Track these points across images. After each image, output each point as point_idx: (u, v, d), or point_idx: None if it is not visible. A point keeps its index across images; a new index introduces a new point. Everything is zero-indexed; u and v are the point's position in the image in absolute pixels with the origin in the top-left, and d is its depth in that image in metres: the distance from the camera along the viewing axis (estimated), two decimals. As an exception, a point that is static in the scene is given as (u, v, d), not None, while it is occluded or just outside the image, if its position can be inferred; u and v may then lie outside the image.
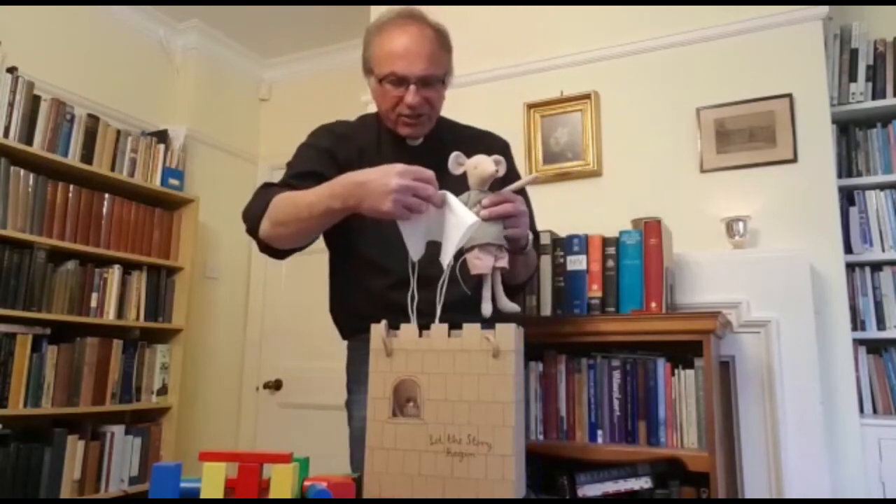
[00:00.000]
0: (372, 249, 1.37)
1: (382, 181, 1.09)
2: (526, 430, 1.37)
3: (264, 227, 1.29)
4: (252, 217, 1.32)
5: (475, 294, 1.15)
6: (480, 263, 1.13)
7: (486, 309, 1.13)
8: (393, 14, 1.36)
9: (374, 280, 1.36)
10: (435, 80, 1.34)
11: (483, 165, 1.14)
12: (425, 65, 1.31)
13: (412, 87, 1.31)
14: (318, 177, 1.31)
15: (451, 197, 1.10)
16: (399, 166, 1.09)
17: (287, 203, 1.26)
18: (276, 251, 1.35)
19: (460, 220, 1.07)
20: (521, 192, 1.42)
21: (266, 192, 1.33)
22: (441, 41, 1.36)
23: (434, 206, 1.10)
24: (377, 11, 2.78)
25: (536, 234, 1.49)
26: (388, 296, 1.31)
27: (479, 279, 1.15)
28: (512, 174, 1.45)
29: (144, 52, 3.38)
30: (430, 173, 1.10)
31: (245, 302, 3.70)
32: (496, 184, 1.18)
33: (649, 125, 2.25)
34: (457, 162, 1.16)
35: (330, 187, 1.19)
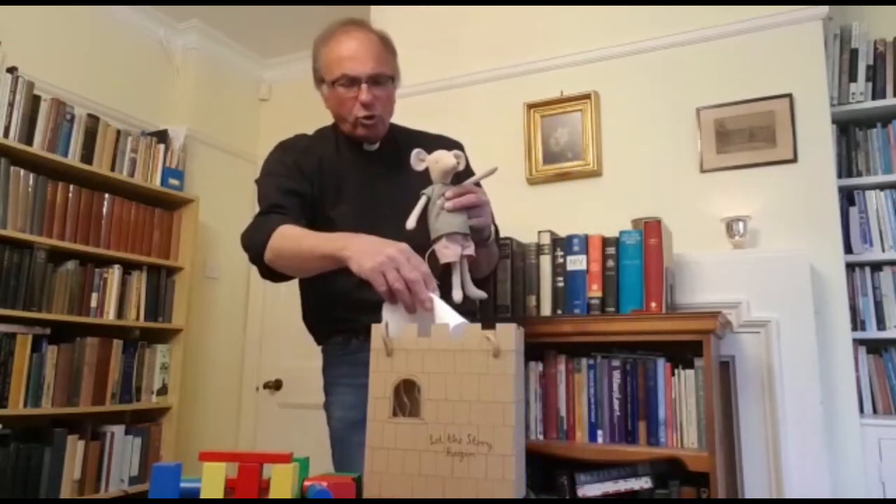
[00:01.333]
0: None
1: (380, 245, 1.11)
2: (526, 429, 1.37)
3: (268, 256, 1.30)
4: (255, 245, 1.32)
5: (445, 283, 1.17)
6: (448, 252, 1.18)
7: (457, 295, 1.18)
8: (337, 24, 1.44)
9: (341, 279, 1.27)
10: (385, 79, 1.41)
11: (444, 160, 1.22)
12: (374, 63, 1.38)
13: (364, 86, 1.38)
14: (299, 195, 1.36)
15: (437, 301, 1.08)
16: (406, 246, 1.10)
17: (290, 238, 1.27)
18: (276, 277, 1.35)
19: (446, 320, 1.05)
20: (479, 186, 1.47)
21: (265, 221, 1.32)
22: (385, 44, 1.44)
23: (423, 308, 1.08)
24: (377, 11, 2.80)
25: (496, 229, 1.50)
26: (357, 294, 1.29)
27: (447, 268, 1.20)
28: (467, 173, 1.49)
29: (144, 52, 3.38)
30: (427, 272, 1.08)
31: (245, 302, 3.70)
32: (456, 178, 1.25)
33: (649, 125, 2.25)
34: (418, 158, 1.24)
35: (333, 236, 1.21)
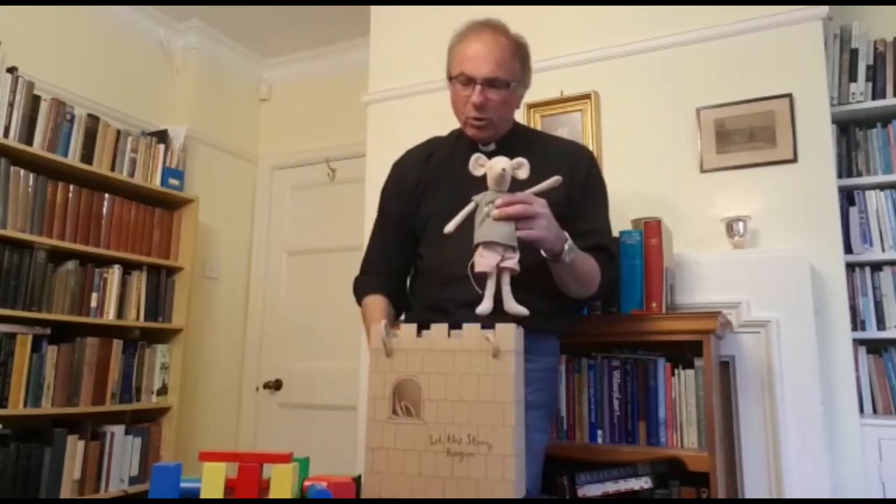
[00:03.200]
0: (425, 252, 1.48)
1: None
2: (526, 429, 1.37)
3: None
4: (357, 300, 1.57)
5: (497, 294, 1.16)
6: (483, 261, 1.14)
7: (483, 307, 1.13)
8: (472, 24, 1.47)
9: (422, 281, 1.49)
10: (500, 83, 1.41)
11: (495, 166, 1.17)
12: (492, 67, 1.40)
13: (478, 87, 1.40)
14: (392, 238, 1.55)
15: None
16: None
17: (364, 311, 1.51)
18: None
19: None
20: (595, 205, 1.48)
21: (362, 285, 1.56)
22: (514, 50, 1.45)
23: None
24: (377, 11, 2.80)
25: (608, 249, 1.47)
26: (423, 291, 1.45)
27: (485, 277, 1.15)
28: (590, 184, 1.49)
29: (144, 52, 3.38)
30: None
31: (245, 302, 3.70)
32: (520, 186, 1.19)
33: (649, 125, 2.25)
34: (477, 164, 1.20)
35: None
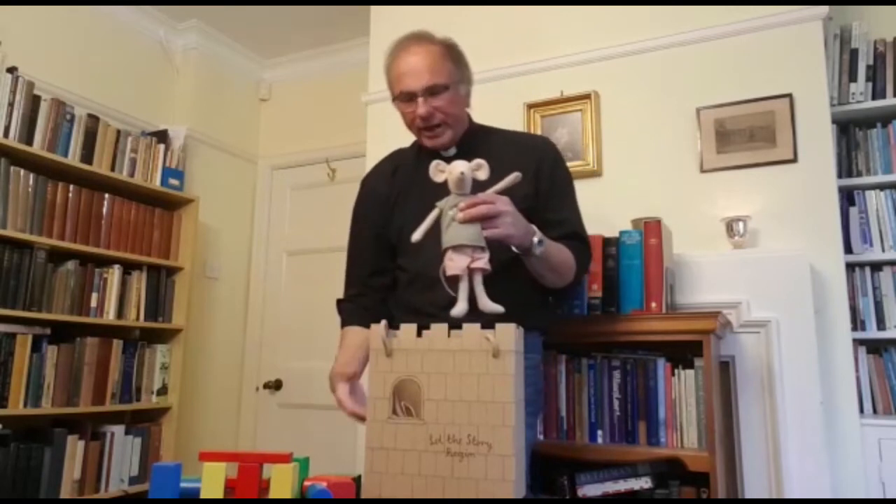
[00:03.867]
0: (404, 262, 1.50)
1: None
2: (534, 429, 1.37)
3: None
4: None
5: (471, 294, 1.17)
6: (453, 265, 1.15)
7: (457, 309, 1.14)
8: (397, 41, 1.50)
9: (405, 289, 1.52)
10: (439, 89, 1.43)
11: (454, 170, 1.18)
12: (427, 76, 1.42)
13: (420, 100, 1.42)
14: (373, 252, 1.56)
15: None
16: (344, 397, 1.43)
17: (342, 341, 1.56)
18: None
19: None
20: (563, 194, 1.51)
21: (343, 312, 1.60)
22: (444, 53, 1.46)
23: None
24: (377, 11, 2.80)
25: (580, 235, 1.50)
26: (406, 297, 1.48)
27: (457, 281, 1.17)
28: (556, 174, 1.52)
29: (144, 52, 3.38)
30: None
31: (245, 302, 3.70)
32: (483, 186, 1.20)
33: (649, 125, 2.25)
34: (437, 170, 1.21)
35: (331, 377, 1.49)
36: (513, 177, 1.21)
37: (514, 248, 1.27)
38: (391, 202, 1.53)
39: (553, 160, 1.53)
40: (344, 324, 1.57)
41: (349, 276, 1.62)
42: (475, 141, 1.52)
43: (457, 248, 1.15)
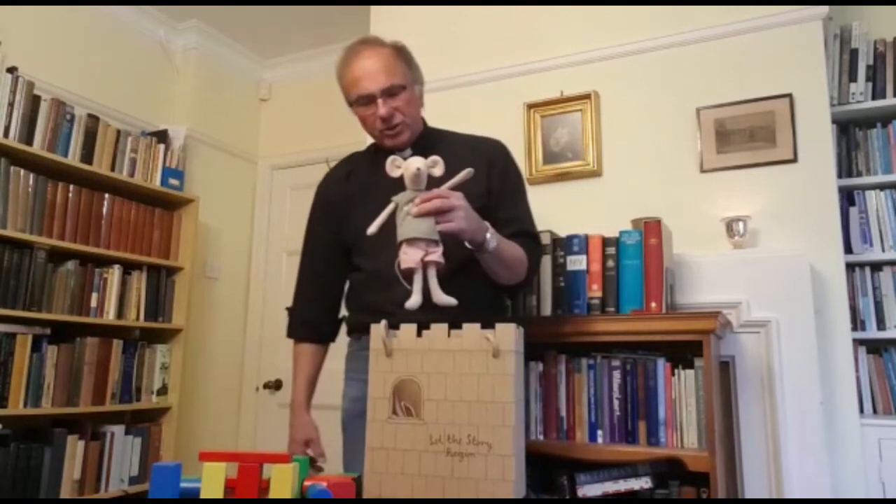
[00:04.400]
0: (362, 261, 1.54)
1: (294, 431, 1.70)
2: (526, 430, 1.37)
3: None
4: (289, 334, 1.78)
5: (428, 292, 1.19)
6: (407, 258, 1.17)
7: (411, 302, 1.16)
8: (347, 47, 1.53)
9: (361, 288, 1.56)
10: (397, 89, 1.46)
11: (410, 166, 1.20)
12: (383, 77, 1.45)
13: (379, 101, 1.45)
14: (323, 259, 1.66)
15: None
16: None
17: (295, 358, 1.78)
18: None
19: None
20: (514, 193, 1.55)
21: (291, 326, 1.78)
22: (395, 55, 1.50)
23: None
24: (377, 11, 2.79)
25: (531, 233, 1.53)
26: (364, 297, 1.52)
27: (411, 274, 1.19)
28: (508, 173, 1.56)
29: (144, 52, 3.38)
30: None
31: (245, 302, 3.70)
32: (437, 183, 1.23)
33: (649, 125, 2.25)
34: (393, 165, 1.24)
35: (292, 405, 1.74)
36: (465, 172, 1.23)
37: (467, 244, 1.29)
38: (346, 204, 1.56)
39: (505, 160, 1.57)
40: (296, 340, 1.73)
41: (300, 288, 1.74)
42: (429, 142, 1.55)
43: (411, 241, 1.17)
